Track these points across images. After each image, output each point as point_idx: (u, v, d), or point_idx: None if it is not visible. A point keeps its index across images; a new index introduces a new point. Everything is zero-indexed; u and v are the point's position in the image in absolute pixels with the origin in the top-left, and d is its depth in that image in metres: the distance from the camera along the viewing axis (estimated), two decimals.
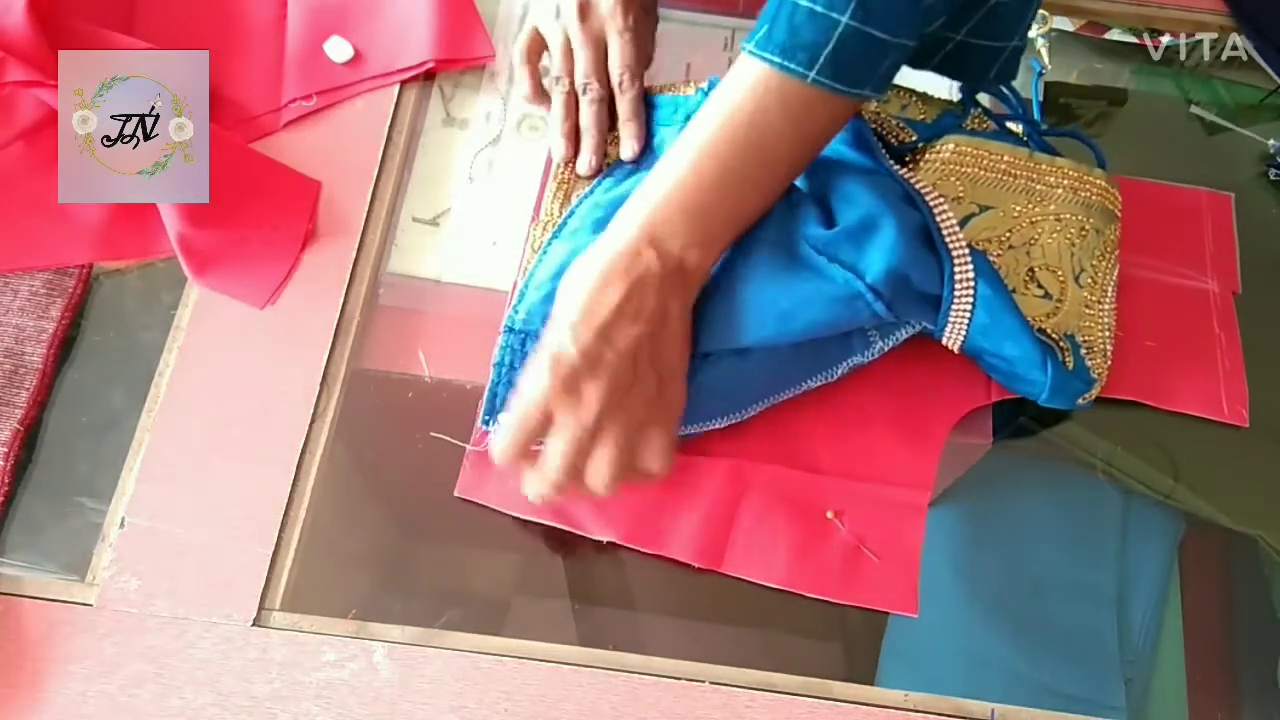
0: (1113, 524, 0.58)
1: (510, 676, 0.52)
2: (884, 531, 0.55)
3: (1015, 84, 0.64)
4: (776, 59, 0.50)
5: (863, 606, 0.54)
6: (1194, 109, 0.71)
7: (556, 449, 0.50)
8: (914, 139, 0.59)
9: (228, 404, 0.57)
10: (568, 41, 0.64)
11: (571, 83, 0.64)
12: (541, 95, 0.66)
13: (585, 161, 0.64)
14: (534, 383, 0.50)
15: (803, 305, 0.53)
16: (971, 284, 0.54)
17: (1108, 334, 0.58)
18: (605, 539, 0.55)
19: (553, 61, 0.65)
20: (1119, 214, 0.60)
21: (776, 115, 0.51)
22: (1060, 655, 0.54)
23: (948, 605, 0.55)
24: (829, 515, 0.56)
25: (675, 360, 0.53)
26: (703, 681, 0.52)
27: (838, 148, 0.59)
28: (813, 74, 0.50)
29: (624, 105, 0.64)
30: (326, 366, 0.59)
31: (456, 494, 0.55)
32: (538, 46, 0.66)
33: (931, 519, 0.56)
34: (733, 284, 0.56)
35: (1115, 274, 0.59)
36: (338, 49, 0.67)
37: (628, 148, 0.63)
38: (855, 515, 0.56)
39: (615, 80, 0.64)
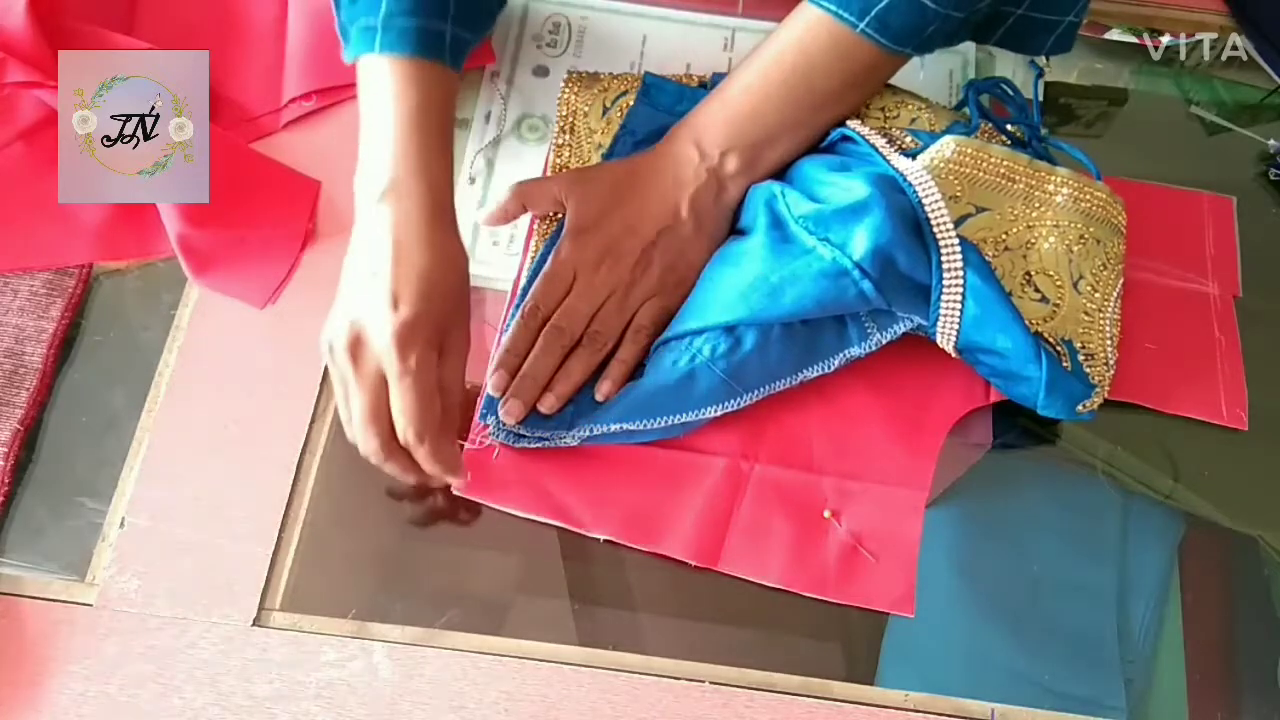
0: (1113, 524, 0.58)
1: (510, 676, 0.52)
2: (881, 532, 0.55)
3: (1016, 83, 0.65)
4: (832, 7, 0.55)
5: (859, 606, 0.54)
6: (1194, 109, 0.71)
7: (571, 303, 0.57)
8: (920, 147, 0.60)
9: (228, 404, 0.57)
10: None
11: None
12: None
13: None
14: (565, 249, 0.58)
15: (791, 281, 0.54)
16: (960, 273, 0.54)
17: (1110, 344, 0.57)
18: (601, 536, 0.55)
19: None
20: (1123, 229, 0.60)
21: (826, 52, 0.57)
22: (1060, 655, 0.54)
23: (948, 605, 0.55)
24: (826, 515, 0.56)
25: (688, 259, 0.59)
26: (703, 681, 0.52)
27: (835, 140, 0.60)
28: (861, 25, 0.55)
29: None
30: (326, 367, 0.58)
31: (455, 491, 0.55)
32: None
33: (932, 519, 0.56)
34: (724, 261, 0.58)
35: (1119, 286, 0.58)
36: None
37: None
38: (852, 515, 0.56)
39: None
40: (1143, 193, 0.65)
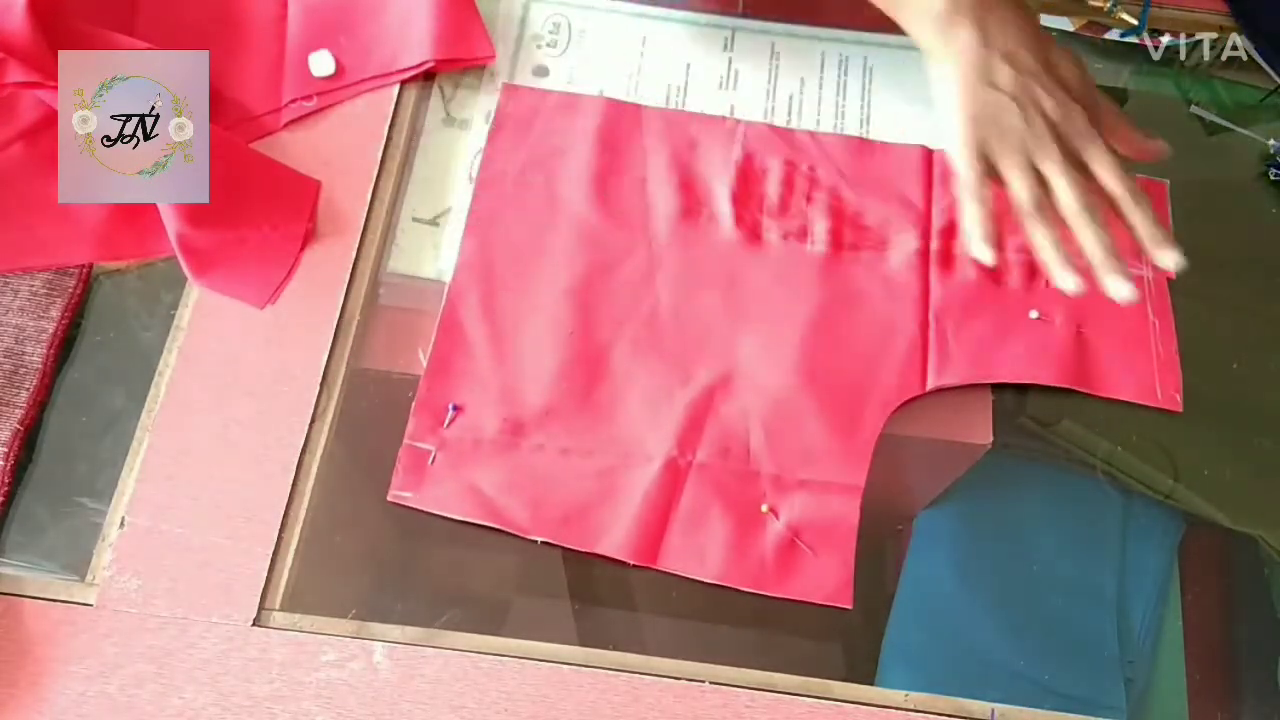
0: (1113, 524, 0.58)
1: (510, 676, 0.52)
2: (818, 525, 0.55)
3: None
4: None
5: (797, 600, 0.54)
6: (1194, 109, 0.71)
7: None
8: None
9: (228, 404, 0.57)
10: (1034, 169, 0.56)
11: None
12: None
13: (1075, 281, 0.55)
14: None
15: None
16: None
17: None
18: (538, 540, 0.55)
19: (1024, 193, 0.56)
20: None
21: None
22: (1060, 655, 0.54)
23: (948, 605, 0.55)
24: (764, 509, 0.56)
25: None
26: (703, 681, 0.52)
27: None
28: None
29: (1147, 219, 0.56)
30: (326, 366, 0.59)
31: (389, 499, 0.55)
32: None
33: (932, 519, 0.56)
34: None
35: None
36: (320, 63, 0.66)
37: (1172, 258, 0.56)
38: (790, 509, 0.56)
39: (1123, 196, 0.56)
40: None
